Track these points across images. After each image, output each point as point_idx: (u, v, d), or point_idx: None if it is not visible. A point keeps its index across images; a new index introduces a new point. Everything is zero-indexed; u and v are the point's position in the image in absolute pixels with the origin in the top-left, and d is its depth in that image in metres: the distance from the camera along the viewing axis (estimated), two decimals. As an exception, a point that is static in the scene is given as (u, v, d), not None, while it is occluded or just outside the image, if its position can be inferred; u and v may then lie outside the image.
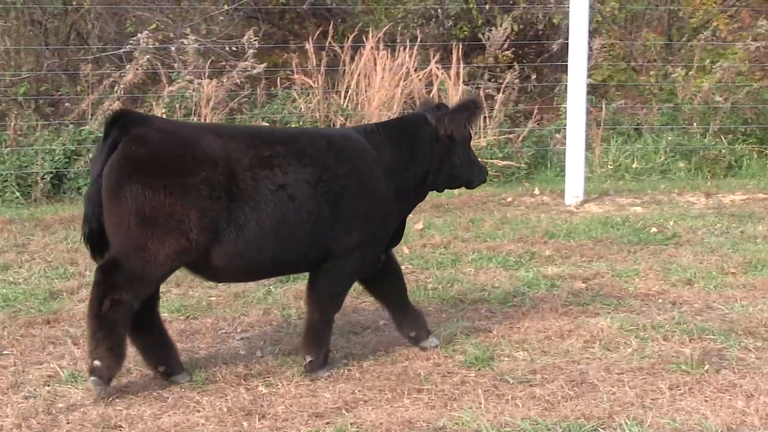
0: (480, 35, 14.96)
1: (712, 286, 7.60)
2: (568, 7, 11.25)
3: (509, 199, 11.16)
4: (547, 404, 5.37)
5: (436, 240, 9.04)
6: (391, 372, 5.83)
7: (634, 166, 13.03)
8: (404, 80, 12.93)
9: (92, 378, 5.41)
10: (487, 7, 15.50)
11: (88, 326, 5.45)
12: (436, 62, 13.15)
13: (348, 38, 13.32)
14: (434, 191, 6.36)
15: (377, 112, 12.62)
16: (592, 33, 13.87)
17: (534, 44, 15.94)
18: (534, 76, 15.13)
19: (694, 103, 13.82)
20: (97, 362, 5.37)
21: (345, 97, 12.96)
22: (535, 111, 13.84)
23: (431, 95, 12.85)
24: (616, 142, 13.46)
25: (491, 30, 14.77)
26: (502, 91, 13.53)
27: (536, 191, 11.62)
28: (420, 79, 13.08)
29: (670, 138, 13.41)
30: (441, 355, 6.08)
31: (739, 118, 13.92)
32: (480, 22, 15.44)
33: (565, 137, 11.70)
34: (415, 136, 6.10)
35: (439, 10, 15.48)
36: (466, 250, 8.68)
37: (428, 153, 6.10)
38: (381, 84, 12.82)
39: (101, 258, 5.49)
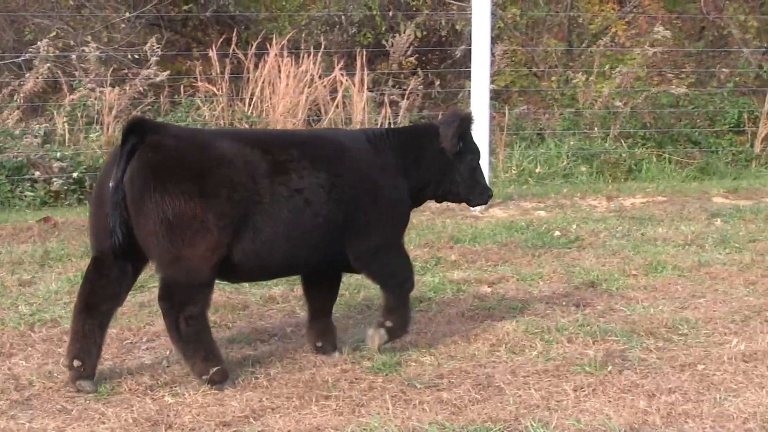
0: (384, 42, 15.03)
1: (614, 288, 7.72)
2: (471, 13, 11.35)
3: (415, 205, 11.20)
4: (454, 408, 5.40)
5: (342, 246, 9.03)
6: (298, 379, 5.81)
7: (537, 170, 13.19)
8: (308, 87, 12.92)
9: (215, 388, 5.64)
10: (390, 13, 15.57)
11: (177, 350, 5.71)
12: (341, 69, 13.16)
13: (252, 45, 13.27)
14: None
15: (282, 119, 12.59)
16: (495, 39, 14.02)
17: (437, 50, 16.07)
18: (438, 82, 15.25)
19: (595, 108, 14.04)
20: (205, 376, 5.63)
21: (249, 105, 12.91)
22: (439, 117, 13.92)
23: (335, 102, 12.87)
24: (520, 147, 13.62)
25: (395, 36, 14.84)
26: (406, 97, 13.60)
27: (441, 196, 11.68)
28: (324, 86, 13.08)
29: (572, 142, 13.61)
30: (348, 362, 6.08)
31: (638, 123, 14.19)
32: (383, 28, 15.51)
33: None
34: (421, 146, 6.27)
35: (343, 17, 15.51)
36: (373, 256, 8.69)
37: (430, 163, 6.25)
38: (285, 91, 12.79)
39: (123, 265, 5.61)
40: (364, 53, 13.32)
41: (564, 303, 7.35)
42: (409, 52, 14.81)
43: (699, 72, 15.75)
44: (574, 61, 15.62)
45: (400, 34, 14.83)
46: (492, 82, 12.35)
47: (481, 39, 11.15)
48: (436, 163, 6.28)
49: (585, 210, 10.89)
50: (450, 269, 8.34)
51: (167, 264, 5.53)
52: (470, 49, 11.40)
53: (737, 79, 15.43)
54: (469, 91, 11.67)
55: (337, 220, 5.82)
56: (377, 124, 12.87)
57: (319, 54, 13.07)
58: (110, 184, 5.49)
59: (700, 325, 6.76)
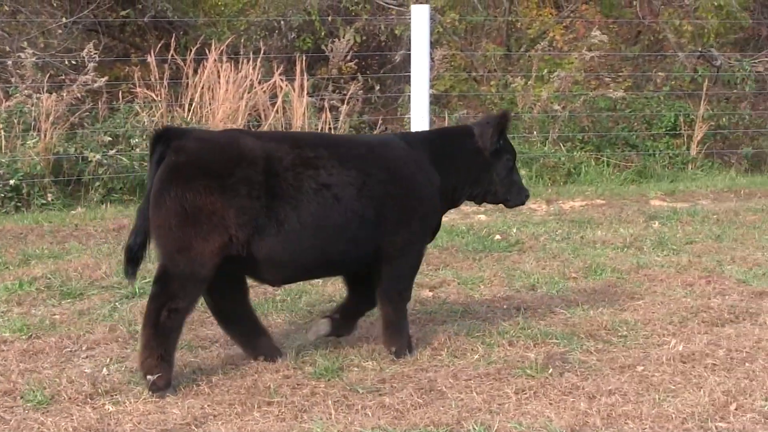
0: (323, 47, 15.02)
1: (554, 291, 7.78)
2: (410, 18, 11.39)
3: (356, 210, 11.20)
4: (396, 413, 5.41)
5: (283, 252, 9.00)
6: (240, 385, 5.79)
7: (477, 174, 13.22)
8: (248, 92, 12.88)
9: (150, 391, 5.67)
10: (329, 18, 15.57)
11: (142, 335, 5.75)
12: (280, 74, 13.14)
13: (191, 51, 13.19)
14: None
15: (222, 124, 12.53)
16: (434, 44, 14.08)
17: (377, 55, 16.08)
18: (378, 87, 15.28)
19: (534, 112, 14.14)
20: (149, 377, 5.65)
21: (189, 110, 12.83)
22: (380, 122, 13.96)
23: (275, 107, 12.85)
24: (459, 151, 13.64)
25: (334, 42, 14.84)
26: (346, 102, 13.60)
27: (382, 201, 11.68)
28: (264, 92, 13.05)
29: (511, 146, 13.65)
30: (290, 367, 6.07)
31: (576, 126, 14.31)
32: (323, 33, 15.50)
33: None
34: (456, 147, 6.43)
35: (282, 22, 15.49)
36: (314, 262, 8.67)
37: (466, 164, 6.41)
38: (225, 96, 12.74)
39: (132, 270, 5.83)
40: (304, 58, 13.31)
41: (505, 306, 7.40)
42: (348, 57, 14.82)
43: (636, 76, 15.92)
44: (512, 65, 15.71)
45: (339, 39, 14.84)
46: (431, 86, 12.41)
47: (420, 44, 11.19)
48: (472, 163, 6.44)
49: (525, 214, 10.96)
50: (391, 274, 8.34)
51: (174, 253, 5.67)
52: (410, 54, 11.44)
53: (673, 82, 15.61)
54: (409, 95, 11.70)
55: (368, 216, 5.97)
56: (317, 129, 12.86)
57: (259, 59, 13.03)
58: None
59: (639, 327, 6.83)
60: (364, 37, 15.69)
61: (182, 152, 5.72)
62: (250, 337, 6.23)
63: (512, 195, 6.61)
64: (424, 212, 6.24)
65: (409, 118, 11.81)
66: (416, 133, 6.50)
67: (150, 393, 5.65)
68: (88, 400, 5.62)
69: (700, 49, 16.14)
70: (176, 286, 5.66)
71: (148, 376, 5.66)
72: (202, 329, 6.90)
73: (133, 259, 5.81)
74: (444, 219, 10.59)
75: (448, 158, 6.38)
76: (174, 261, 5.67)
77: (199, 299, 5.94)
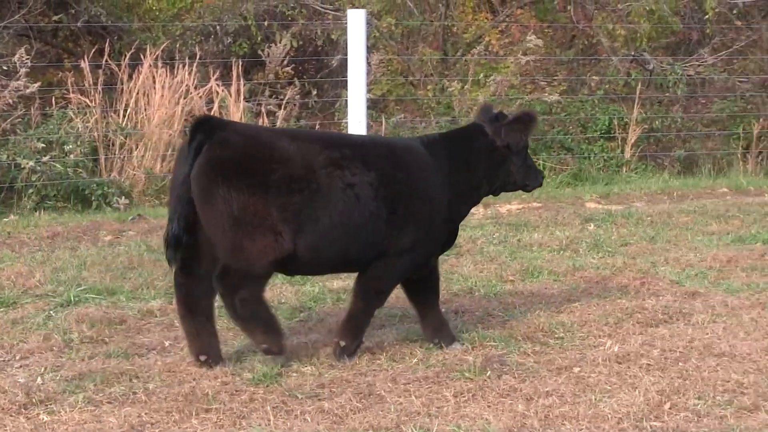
0: (260, 52, 14.97)
1: (492, 294, 7.83)
2: (346, 23, 11.40)
3: (293, 215, 11.17)
4: (335, 418, 5.42)
5: (221, 258, 8.95)
6: (178, 393, 5.75)
7: (414, 178, 13.24)
8: (184, 98, 12.80)
9: (266, 354, 6.09)
10: (266, 23, 15.52)
11: (240, 328, 6.19)
12: (216, 79, 13.07)
13: (125, 56, 13.08)
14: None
15: (158, 130, 12.45)
16: (370, 48, 14.09)
17: (314, 60, 16.07)
18: (315, 92, 15.25)
19: (470, 116, 14.18)
20: (264, 345, 6.02)
21: (124, 116, 12.73)
22: (317, 126, 13.93)
23: (212, 113, 12.78)
24: (397, 155, 13.66)
25: (271, 46, 14.80)
26: (283, 107, 13.57)
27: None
28: (200, 97, 12.99)
29: (448, 150, 13.69)
30: (228, 374, 6.04)
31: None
32: (259, 38, 15.45)
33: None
34: (471, 147, 6.54)
35: (218, 27, 15.41)
36: (252, 267, 8.64)
37: (483, 162, 6.52)
38: (161, 102, 12.65)
39: (177, 256, 6.00)
40: (240, 63, 13.26)
41: (443, 309, 7.39)
42: (285, 62, 14.79)
43: (570, 80, 16.05)
44: (449, 69, 15.78)
45: (276, 44, 14.80)
46: (369, 91, 12.43)
47: (357, 48, 11.21)
48: (490, 160, 6.55)
49: (462, 217, 10.98)
50: (329, 278, 8.33)
51: (229, 252, 5.90)
52: (346, 59, 11.45)
53: (607, 86, 15.77)
54: (346, 100, 11.71)
55: (383, 217, 6.13)
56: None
57: (195, 64, 12.97)
58: (174, 178, 6.00)
59: (575, 329, 6.90)
60: (301, 42, 15.65)
61: (227, 147, 5.90)
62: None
63: (530, 179, 6.77)
64: (431, 219, 6.34)
65: (347, 122, 11.81)
66: (434, 136, 6.67)
67: (266, 357, 6.09)
68: (22, 410, 5.54)
69: (633, 53, 16.32)
70: (237, 281, 5.92)
71: (262, 345, 6.03)
72: (138, 337, 6.85)
73: (176, 246, 5.98)
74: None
75: (467, 159, 6.52)
76: (230, 259, 5.91)
77: (266, 285, 6.17)
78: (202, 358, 6.13)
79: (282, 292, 7.88)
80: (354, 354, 6.34)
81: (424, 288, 6.63)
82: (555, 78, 15.76)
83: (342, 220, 6.02)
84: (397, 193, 6.19)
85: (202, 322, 6.15)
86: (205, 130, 5.94)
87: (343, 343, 6.32)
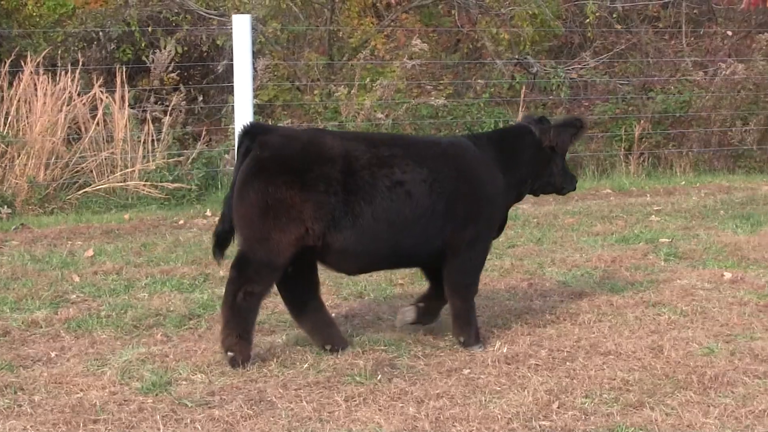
0: (144, 58, 14.81)
1: (382, 298, 7.85)
2: (231, 28, 11.33)
3: (181, 222, 11.09)
4: (226, 425, 5.38)
5: (107, 266, 8.83)
6: (65, 404, 5.65)
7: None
8: (67, 105, 12.58)
9: (231, 366, 6.21)
10: (149, 29, 15.35)
11: (222, 315, 6.30)
12: (100, 86, 12.87)
13: (5, 63, 12.80)
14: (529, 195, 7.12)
15: (41, 138, 12.22)
16: (256, 54, 14.04)
17: (199, 66, 15.95)
18: (201, 98, 15.14)
19: (357, 121, 14.23)
20: (230, 353, 6.21)
21: (5, 124, 12.45)
22: (204, 133, 13.83)
23: (96, 120, 12.60)
24: (285, 160, 13.61)
25: (155, 52, 14.64)
26: (169, 113, 13.42)
27: (208, 212, 11.61)
28: (84, 104, 12.78)
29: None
30: (116, 383, 5.96)
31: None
32: (143, 44, 15.27)
33: (234, 158, 11.73)
34: (518, 145, 6.82)
35: (101, 33, 15.19)
36: (140, 275, 8.55)
37: (528, 161, 6.81)
38: (43, 109, 12.41)
39: (220, 253, 6.43)
40: (124, 69, 13.09)
41: (333, 314, 7.40)
42: (170, 68, 14.64)
43: (456, 83, 16.20)
44: (335, 74, 15.79)
45: (160, 50, 14.64)
46: (255, 96, 12.39)
47: (243, 54, 11.16)
48: (535, 159, 6.83)
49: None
50: (219, 285, 8.25)
51: (254, 241, 6.16)
52: (232, 64, 11.38)
53: (492, 89, 15.94)
54: (233, 106, 11.64)
55: (438, 212, 6.36)
56: (139, 141, 12.67)
57: (77, 71, 12.76)
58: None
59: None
60: (186, 48, 15.52)
61: (267, 147, 6.19)
62: (320, 327, 6.56)
63: (567, 182, 7.06)
64: (490, 209, 6.62)
65: (233, 128, 11.74)
66: (481, 134, 7.06)
67: (231, 367, 6.17)
68: None
69: (517, 57, 16.54)
70: (253, 272, 6.15)
71: (229, 353, 6.20)
72: (23, 348, 6.71)
73: (221, 243, 6.38)
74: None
75: (513, 156, 6.77)
76: (253, 249, 6.17)
77: (273, 284, 6.35)
78: (328, 347, 6.47)
79: (170, 299, 7.80)
80: (479, 341, 6.61)
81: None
82: (441, 82, 15.88)
83: (389, 216, 6.25)
84: (453, 188, 6.42)
85: (315, 317, 6.55)
86: (251, 136, 6.27)
87: (462, 339, 6.59)
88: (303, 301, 6.55)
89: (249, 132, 6.33)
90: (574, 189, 7.22)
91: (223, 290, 6.32)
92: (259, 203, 6.11)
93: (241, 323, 6.20)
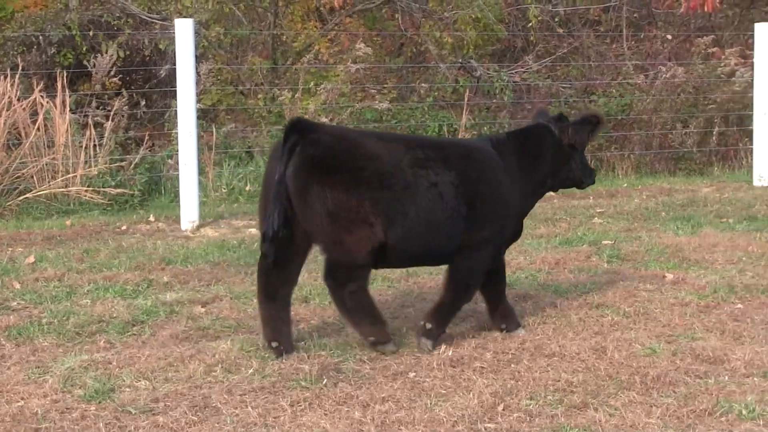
0: (85, 62, 14.68)
1: (326, 302, 7.82)
2: (174, 32, 11.27)
3: (124, 228, 11.01)
4: (171, 432, 5.35)
5: (48, 273, 8.75)
6: (5, 413, 5.57)
7: (247, 188, 13.22)
8: (7, 110, 12.44)
9: (379, 348, 6.51)
10: (90, 33, 15.23)
11: (346, 321, 6.64)
12: (41, 91, 12.74)
13: (-58, 68, 12.66)
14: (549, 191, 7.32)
15: (-20, 143, 12.08)
16: (199, 58, 13.98)
17: (141, 70, 15.85)
18: (143, 103, 15.04)
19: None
20: (371, 338, 6.48)
21: (-57, 130, 12.30)
22: (147, 137, 13.74)
23: (36, 125, 12.47)
24: (229, 165, 13.61)
25: (97, 57, 14.53)
26: (111, 118, 13.32)
27: (151, 218, 11.53)
28: (24, 109, 12.64)
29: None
30: (58, 391, 5.89)
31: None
32: (84, 49, 15.15)
33: (177, 163, 11.68)
34: (539, 145, 6.99)
35: (41, 37, 15.04)
36: (82, 282, 8.47)
37: (549, 159, 6.98)
38: (-18, 115, 12.27)
39: (274, 250, 6.27)
40: (65, 74, 12.97)
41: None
42: (112, 73, 14.54)
43: (400, 87, 16.23)
44: (279, 78, 15.77)
45: (102, 55, 14.54)
46: (198, 101, 12.32)
47: (185, 58, 11.09)
48: (556, 157, 6.99)
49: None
50: (162, 291, 8.23)
51: (330, 248, 6.33)
52: (175, 69, 11.31)
53: (436, 93, 16.00)
54: (176, 110, 11.57)
55: (462, 213, 6.53)
56: (80, 146, 12.56)
57: (17, 76, 12.62)
58: (275, 178, 6.24)
59: (410, 334, 6.96)
60: (128, 52, 15.43)
61: (319, 147, 6.28)
62: (275, 321, 6.54)
63: (586, 177, 7.21)
64: (505, 212, 6.78)
65: (177, 133, 11.67)
66: (502, 136, 7.12)
67: (374, 349, 6.49)
68: None
69: (460, 60, 16.61)
70: (343, 274, 6.35)
71: (370, 338, 6.48)
72: (-37, 357, 6.63)
73: (274, 240, 6.25)
74: (214, 234, 10.61)
75: (534, 157, 6.95)
76: (332, 254, 6.34)
77: (369, 275, 6.55)
78: (274, 344, 6.45)
79: (113, 306, 7.74)
80: (436, 341, 6.65)
81: (494, 278, 6.99)
82: (385, 86, 15.90)
83: (427, 216, 6.42)
84: (474, 191, 6.58)
85: (277, 309, 6.48)
86: (298, 131, 6.31)
87: (429, 326, 6.64)
88: (275, 289, 6.49)
89: (295, 127, 6.37)
90: (594, 182, 7.39)
91: (257, 299, 6.56)
92: (323, 209, 6.21)
93: (365, 316, 6.44)
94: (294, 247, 6.39)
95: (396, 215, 6.33)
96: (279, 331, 6.50)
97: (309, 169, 6.23)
